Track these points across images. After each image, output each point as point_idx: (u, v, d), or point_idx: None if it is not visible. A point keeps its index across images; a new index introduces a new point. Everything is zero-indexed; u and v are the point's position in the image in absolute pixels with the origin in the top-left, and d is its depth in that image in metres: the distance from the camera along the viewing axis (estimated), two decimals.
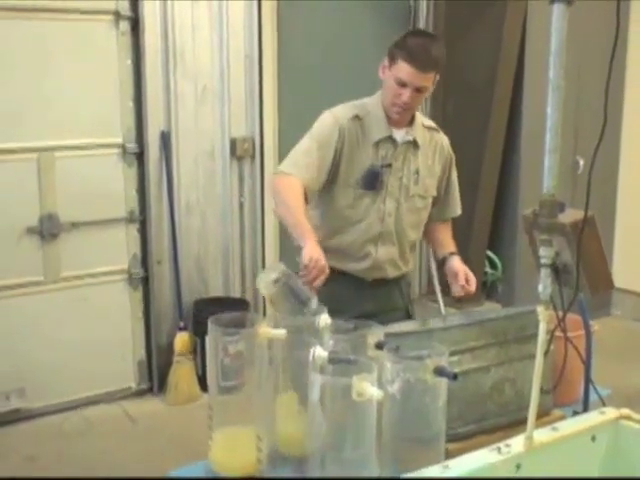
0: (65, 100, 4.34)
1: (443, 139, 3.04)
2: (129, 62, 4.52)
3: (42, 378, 4.42)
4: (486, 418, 1.99)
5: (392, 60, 2.77)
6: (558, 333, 1.96)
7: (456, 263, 2.93)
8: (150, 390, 4.82)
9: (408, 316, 3.09)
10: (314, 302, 2.23)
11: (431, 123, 3.05)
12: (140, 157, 4.64)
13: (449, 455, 1.71)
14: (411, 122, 2.91)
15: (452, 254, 2.98)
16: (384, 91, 2.85)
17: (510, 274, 5.83)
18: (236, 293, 5.09)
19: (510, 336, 2.05)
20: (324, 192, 2.89)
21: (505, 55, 5.49)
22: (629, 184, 6.10)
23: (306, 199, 2.77)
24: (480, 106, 5.57)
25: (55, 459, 3.97)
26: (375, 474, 1.67)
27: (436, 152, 3.00)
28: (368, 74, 5.43)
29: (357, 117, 2.86)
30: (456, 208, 3.15)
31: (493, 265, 5.90)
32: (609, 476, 1.71)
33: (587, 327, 2.13)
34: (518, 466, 1.59)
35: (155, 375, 4.81)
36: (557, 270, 1.96)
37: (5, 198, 4.24)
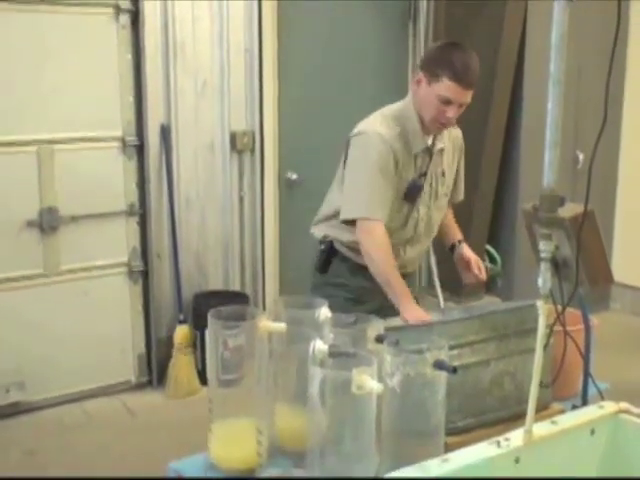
0: (65, 93, 4.34)
1: (458, 132, 3.06)
2: (129, 56, 4.52)
3: (42, 371, 4.42)
4: (485, 412, 2.00)
5: (434, 77, 2.73)
6: (557, 327, 1.97)
7: (466, 251, 2.99)
8: (150, 383, 4.83)
9: None
10: None
11: None
12: (140, 150, 4.64)
13: (448, 448, 1.71)
14: None
15: (461, 242, 3.04)
16: (424, 106, 2.79)
17: (509, 268, 5.82)
18: (236, 287, 5.09)
19: (510, 330, 2.05)
20: None
21: (505, 50, 5.49)
22: (629, 179, 6.10)
23: None
24: (480, 101, 5.55)
25: (55, 452, 3.97)
26: (374, 467, 1.68)
27: (455, 148, 3.02)
28: (368, 69, 5.46)
29: (400, 134, 2.82)
30: (461, 193, 3.17)
31: (492, 259, 5.88)
32: (608, 476, 1.71)
33: (586, 321, 2.13)
34: (517, 460, 1.59)
35: (155, 368, 4.81)
36: (557, 264, 1.96)
37: (5, 191, 4.24)
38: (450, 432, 1.85)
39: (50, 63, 4.28)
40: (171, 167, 4.69)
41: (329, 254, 3.01)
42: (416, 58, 5.56)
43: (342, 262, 2.98)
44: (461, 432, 1.93)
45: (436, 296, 5.43)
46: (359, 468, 1.61)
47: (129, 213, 4.66)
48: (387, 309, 2.72)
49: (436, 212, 2.97)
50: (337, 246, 2.98)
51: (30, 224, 4.33)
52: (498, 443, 1.60)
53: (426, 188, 2.89)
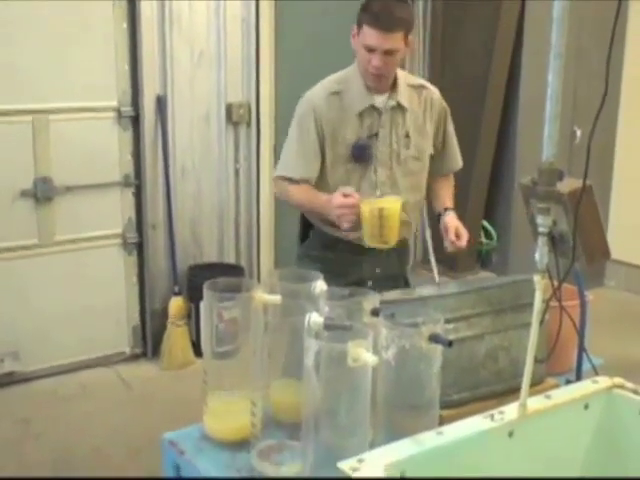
0: (60, 63, 4.31)
1: (433, 94, 2.98)
2: (125, 25, 4.49)
3: (36, 342, 4.43)
4: (480, 386, 2.00)
5: (359, 27, 2.71)
6: (553, 303, 1.97)
7: (449, 218, 2.88)
8: (144, 355, 4.85)
9: (406, 284, 3.08)
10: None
11: (418, 80, 3.00)
12: (135, 121, 4.62)
13: (443, 421, 1.72)
14: (394, 85, 2.85)
15: (447, 209, 2.95)
16: (358, 59, 2.79)
17: (505, 244, 5.84)
18: (231, 259, 5.09)
19: (505, 305, 2.05)
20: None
21: (504, 24, 5.46)
22: (626, 155, 6.09)
23: None
24: (478, 74, 5.54)
25: (48, 421, 3.99)
26: (368, 440, 1.68)
27: (427, 110, 2.93)
28: None
29: (335, 93, 2.82)
30: (455, 162, 3.11)
31: (488, 235, 5.91)
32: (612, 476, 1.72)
33: (582, 297, 2.13)
34: (511, 433, 1.60)
35: (149, 340, 4.82)
36: (553, 239, 1.96)
37: None
38: (445, 405, 1.85)
39: (46, 32, 4.24)
40: (166, 138, 4.67)
41: (305, 225, 3.03)
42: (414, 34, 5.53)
43: (316, 234, 2.98)
44: (456, 405, 1.93)
45: (431, 270, 5.44)
46: (353, 441, 1.61)
47: (124, 184, 4.65)
48: (364, 283, 2.72)
49: (403, 177, 2.90)
50: (310, 219, 2.99)
51: (24, 194, 4.31)
52: (492, 416, 1.60)
53: (383, 149, 2.84)
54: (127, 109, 4.57)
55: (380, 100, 2.83)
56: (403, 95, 2.86)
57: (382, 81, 2.80)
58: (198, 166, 4.86)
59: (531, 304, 1.61)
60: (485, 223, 5.88)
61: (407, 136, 2.88)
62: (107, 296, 4.68)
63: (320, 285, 1.97)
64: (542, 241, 1.57)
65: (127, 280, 4.77)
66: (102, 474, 3.54)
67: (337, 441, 1.62)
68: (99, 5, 4.37)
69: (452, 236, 2.80)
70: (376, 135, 2.83)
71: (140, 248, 4.78)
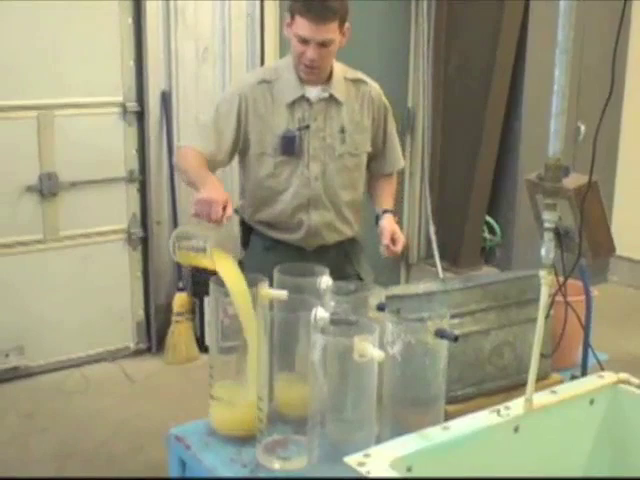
0: (65, 58, 4.31)
1: (372, 89, 2.88)
2: (130, 21, 4.49)
3: (41, 336, 4.44)
4: (485, 381, 2.00)
5: (291, 17, 2.64)
6: (558, 298, 1.97)
7: (385, 222, 2.79)
8: (148, 350, 4.85)
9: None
10: (210, 243, 2.14)
11: (357, 75, 2.88)
12: (140, 116, 4.62)
13: (448, 417, 1.72)
14: (328, 78, 2.77)
15: (385, 212, 2.85)
16: (291, 49, 2.71)
17: (508, 240, 5.84)
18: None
19: (511, 300, 2.05)
20: (244, 164, 2.83)
21: (508, 20, 5.44)
22: (629, 151, 6.09)
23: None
24: (482, 71, 5.53)
25: (53, 416, 4.00)
26: (374, 435, 1.68)
27: (364, 105, 2.85)
28: (369, 33, 5.41)
29: (264, 81, 2.75)
30: (396, 161, 3.03)
31: (491, 230, 5.90)
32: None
33: (587, 292, 2.13)
34: (516, 429, 1.60)
35: (153, 335, 4.83)
36: (559, 235, 1.96)
37: (5, 156, 4.23)
38: (450, 400, 1.86)
39: (51, 27, 4.24)
40: (171, 134, 4.67)
41: (245, 230, 2.97)
42: (418, 31, 5.54)
43: (256, 238, 2.93)
44: (461, 400, 1.93)
45: (435, 266, 5.45)
46: (359, 435, 1.62)
47: (129, 179, 4.65)
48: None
49: (338, 174, 2.82)
50: (250, 223, 2.94)
51: (30, 189, 4.32)
52: (498, 412, 1.61)
53: (316, 143, 2.76)
54: (132, 105, 4.57)
55: (313, 91, 2.76)
56: (338, 88, 2.79)
57: (316, 73, 2.72)
58: None
59: (536, 299, 1.62)
60: (489, 218, 5.88)
61: (342, 131, 2.80)
62: (112, 291, 4.68)
63: (326, 280, 1.98)
64: (548, 236, 1.58)
65: (132, 275, 4.77)
66: (106, 469, 3.55)
67: (343, 436, 1.63)
68: (104, 1, 4.36)
69: (387, 240, 2.72)
70: (307, 127, 2.74)
71: (145, 243, 4.78)
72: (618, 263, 6.02)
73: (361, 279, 2.93)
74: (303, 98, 2.75)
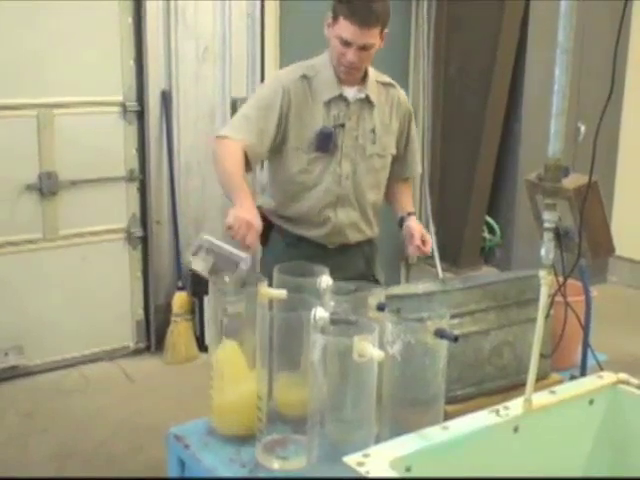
0: (65, 57, 4.31)
1: (400, 94, 2.94)
2: (130, 20, 4.49)
3: (40, 335, 4.44)
4: (485, 381, 2.00)
5: (335, 18, 2.65)
6: (557, 298, 1.97)
7: (413, 223, 2.85)
8: (148, 349, 4.85)
9: (376, 284, 3.03)
10: (245, 262, 2.16)
11: (386, 78, 2.94)
12: (140, 116, 4.62)
13: (448, 417, 1.72)
14: (363, 79, 2.81)
15: (410, 214, 2.91)
16: (331, 50, 2.74)
17: (508, 240, 5.84)
18: None
19: (510, 300, 2.05)
20: (276, 158, 2.83)
21: (508, 20, 5.44)
22: (629, 151, 6.10)
23: (248, 165, 2.71)
24: (482, 70, 5.54)
25: (52, 415, 4.00)
26: (374, 434, 1.68)
27: (393, 108, 2.90)
28: None
29: (304, 77, 2.78)
30: (416, 166, 3.07)
31: (491, 230, 5.90)
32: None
33: (587, 292, 2.13)
34: (516, 429, 1.60)
35: (153, 334, 4.83)
36: (559, 235, 1.96)
37: (4, 155, 4.23)
38: (450, 400, 1.86)
39: (52, 26, 4.24)
40: (171, 133, 4.68)
41: (266, 226, 2.89)
42: (419, 32, 5.54)
43: (277, 234, 2.92)
44: (461, 400, 1.94)
45: (434, 266, 5.45)
46: (359, 435, 1.62)
47: (129, 179, 4.65)
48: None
49: (366, 174, 2.86)
50: (272, 218, 2.92)
51: (29, 188, 4.32)
52: (497, 412, 1.61)
53: (349, 142, 2.80)
54: (132, 104, 4.57)
55: (349, 91, 2.79)
56: (372, 90, 2.83)
57: (353, 74, 2.76)
58: (202, 161, 4.86)
59: (536, 299, 1.62)
60: (488, 219, 5.88)
61: (373, 131, 2.84)
62: (111, 290, 4.69)
63: (326, 280, 1.98)
64: (548, 237, 1.58)
65: (131, 275, 4.77)
66: (106, 469, 3.55)
67: (342, 436, 1.63)
68: (105, 1, 4.36)
69: (418, 241, 2.77)
70: (342, 126, 2.78)
71: (144, 243, 4.78)
72: (618, 263, 6.02)
73: (375, 279, 2.99)
74: (340, 97, 2.79)
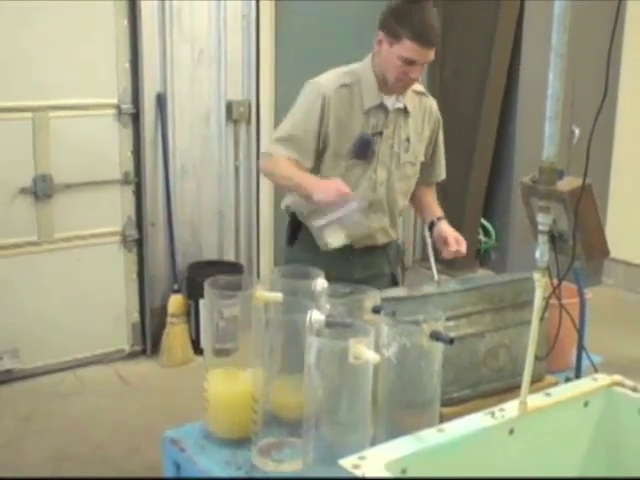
0: (61, 60, 4.31)
1: (432, 103, 2.99)
2: (125, 22, 4.49)
3: (35, 339, 4.43)
4: (480, 383, 2.01)
5: (395, 37, 2.67)
6: (552, 300, 1.98)
7: (444, 227, 2.91)
8: (143, 352, 4.84)
9: (394, 282, 3.09)
10: (359, 202, 2.55)
11: (420, 87, 2.98)
12: (136, 118, 4.61)
13: (443, 419, 1.72)
14: None
15: (440, 219, 2.96)
16: (387, 67, 2.74)
17: (503, 242, 5.85)
18: (230, 256, 5.10)
19: (505, 302, 2.06)
20: (314, 163, 2.84)
21: (503, 23, 5.46)
22: (623, 154, 6.10)
23: None
24: (477, 73, 5.54)
25: (49, 418, 3.99)
26: (369, 437, 1.69)
27: (425, 117, 2.95)
28: (367, 37, 5.41)
29: (345, 85, 2.80)
30: (442, 172, 3.12)
31: (487, 233, 5.91)
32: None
33: (581, 295, 2.14)
34: (511, 431, 1.61)
35: (148, 337, 4.82)
36: (553, 237, 1.97)
37: None
38: (445, 403, 1.87)
39: (47, 29, 4.24)
40: (166, 136, 4.67)
41: (294, 226, 2.98)
42: None
43: (306, 235, 2.94)
44: (456, 403, 1.94)
45: (430, 268, 5.44)
46: (354, 438, 1.62)
47: (124, 182, 4.65)
48: (359, 282, 2.70)
49: (399, 181, 2.91)
50: (300, 218, 2.95)
51: (24, 191, 4.31)
52: (493, 414, 1.61)
53: (385, 149, 2.84)
54: (127, 106, 4.57)
55: (389, 100, 2.83)
56: (408, 99, 2.88)
57: (408, 88, 2.83)
58: (198, 164, 4.86)
59: (531, 302, 1.62)
60: (484, 221, 5.89)
61: (408, 140, 2.89)
62: (107, 293, 4.68)
63: (321, 283, 1.98)
64: (542, 239, 1.58)
65: (127, 277, 4.77)
66: (102, 471, 3.54)
67: (338, 438, 1.63)
68: (100, 2, 4.36)
69: (454, 245, 2.83)
70: (380, 134, 2.82)
71: (140, 246, 4.78)
72: (612, 266, 6.03)
73: (395, 279, 3.11)
74: (380, 106, 2.82)
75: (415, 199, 3.09)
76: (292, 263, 2.86)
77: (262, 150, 2.90)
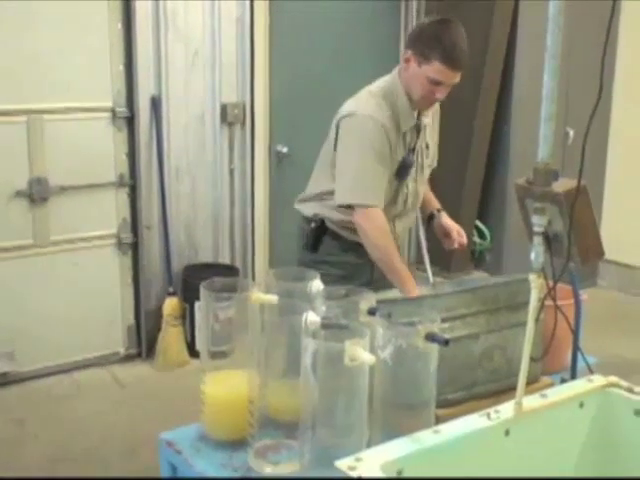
0: (55, 63, 4.31)
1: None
2: (119, 25, 4.49)
3: (31, 342, 4.43)
4: (476, 385, 2.01)
5: (424, 58, 2.68)
6: (547, 302, 1.98)
7: (445, 219, 2.98)
8: (139, 355, 4.84)
9: None
10: None
11: None
12: (130, 121, 4.62)
13: (439, 421, 1.73)
14: None
15: (439, 211, 3.03)
16: (413, 85, 2.76)
17: (498, 244, 5.85)
18: (225, 259, 5.10)
19: (501, 304, 2.06)
20: None
21: (497, 24, 5.47)
22: (618, 155, 6.11)
23: None
24: (471, 75, 5.55)
25: (44, 422, 3.99)
26: (365, 439, 1.69)
27: (434, 117, 3.02)
28: (361, 41, 5.43)
29: (391, 114, 2.79)
30: (435, 160, 3.13)
31: (482, 235, 5.92)
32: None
33: (577, 296, 2.14)
34: (507, 432, 1.60)
35: (144, 340, 4.82)
36: (548, 239, 1.97)
37: None
38: (441, 404, 1.86)
39: (41, 32, 4.24)
40: (161, 139, 4.67)
41: (320, 232, 2.98)
42: (408, 33, 5.54)
43: (333, 240, 2.96)
44: (452, 404, 1.94)
45: (425, 270, 5.45)
46: (350, 439, 1.62)
47: (119, 184, 4.65)
48: (376, 282, 2.74)
49: (422, 185, 2.99)
50: (328, 224, 2.95)
51: (19, 194, 4.31)
52: (488, 415, 1.61)
53: (415, 163, 2.90)
54: (122, 109, 4.57)
55: (416, 117, 2.86)
56: (429, 111, 2.93)
57: (432, 107, 2.88)
58: (193, 166, 4.86)
59: (526, 303, 1.62)
60: (479, 223, 5.89)
61: (427, 147, 2.95)
62: (102, 296, 4.68)
63: (317, 284, 1.98)
64: (537, 240, 1.58)
65: (122, 280, 4.76)
66: (98, 474, 3.54)
67: (334, 440, 1.63)
68: (94, 5, 4.36)
69: (455, 235, 2.90)
70: (413, 150, 2.86)
71: (135, 248, 4.77)
72: (608, 267, 6.04)
73: None
74: (415, 125, 2.85)
75: None
76: (313, 266, 2.85)
77: (350, 201, 2.78)
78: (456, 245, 2.90)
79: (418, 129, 2.87)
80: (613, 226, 5.40)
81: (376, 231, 2.74)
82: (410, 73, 2.75)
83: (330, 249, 2.97)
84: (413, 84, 2.76)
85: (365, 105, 2.78)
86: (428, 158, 2.96)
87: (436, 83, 2.70)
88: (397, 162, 2.82)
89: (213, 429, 1.95)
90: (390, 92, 2.82)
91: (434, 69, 2.67)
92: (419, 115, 2.87)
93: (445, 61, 2.65)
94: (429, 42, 2.68)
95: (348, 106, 2.82)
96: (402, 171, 2.83)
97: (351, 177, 2.77)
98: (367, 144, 2.74)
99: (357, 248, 2.85)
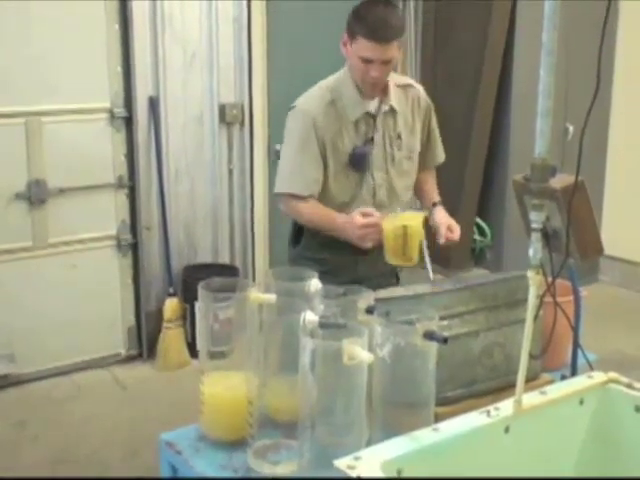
0: (53, 64, 4.30)
1: (419, 92, 2.98)
2: (117, 26, 4.48)
3: (31, 344, 4.43)
4: (475, 382, 2.00)
5: (352, 37, 2.68)
6: (547, 298, 1.97)
7: (440, 214, 2.91)
8: (139, 356, 4.84)
9: (397, 279, 3.10)
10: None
11: (404, 80, 2.99)
12: (128, 122, 4.61)
13: (438, 418, 1.72)
14: (385, 89, 2.83)
15: (435, 204, 2.97)
16: (352, 68, 2.77)
17: (498, 241, 5.85)
18: (225, 259, 5.09)
19: (499, 301, 2.05)
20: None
21: (495, 22, 5.46)
22: (618, 151, 6.10)
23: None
24: (470, 72, 5.55)
25: (45, 424, 3.98)
26: (364, 438, 1.68)
27: (414, 108, 2.94)
28: None
29: (330, 102, 2.79)
30: (439, 155, 3.12)
31: (481, 232, 5.91)
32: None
33: (576, 292, 2.13)
34: (507, 429, 1.60)
35: (144, 341, 4.82)
36: (547, 235, 1.96)
37: None
38: (440, 402, 1.86)
39: (38, 33, 4.23)
40: (160, 139, 4.67)
41: (299, 227, 2.99)
42: (406, 33, 5.54)
43: (312, 236, 2.95)
44: (451, 402, 1.94)
45: (425, 268, 5.44)
46: (350, 439, 1.61)
47: (118, 185, 4.64)
48: (362, 281, 2.72)
49: (398, 178, 2.92)
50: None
51: (18, 197, 4.30)
52: (488, 413, 1.61)
53: (378, 153, 2.84)
54: (120, 110, 4.56)
55: (373, 105, 2.82)
56: (394, 98, 2.86)
57: (378, 88, 2.80)
58: (191, 167, 4.86)
59: (525, 300, 1.61)
60: (479, 220, 5.89)
61: (399, 137, 2.89)
62: (102, 298, 4.67)
63: (315, 284, 1.98)
64: (536, 237, 1.58)
65: (122, 282, 4.76)
66: (99, 475, 3.54)
67: (333, 439, 1.63)
68: (91, 6, 4.35)
69: (447, 233, 2.82)
70: (371, 140, 2.82)
71: (134, 249, 4.77)
72: (609, 263, 6.02)
73: (397, 277, 3.11)
74: (367, 113, 2.82)
75: (415, 186, 3.09)
76: (299, 261, 2.90)
77: (279, 190, 2.89)
78: (442, 241, 2.83)
79: (374, 118, 2.82)
80: (614, 222, 5.40)
81: (304, 212, 2.83)
82: (349, 57, 2.76)
83: (309, 245, 2.97)
84: (352, 67, 2.76)
85: (305, 99, 2.84)
86: (402, 149, 2.90)
87: (367, 61, 2.66)
88: (347, 151, 2.80)
89: (212, 429, 1.95)
90: (338, 82, 2.83)
91: (361, 46, 2.65)
92: (380, 103, 2.83)
93: (368, 35, 2.62)
94: (354, 21, 2.68)
95: (298, 99, 2.89)
96: (357, 161, 2.80)
97: (281, 167, 2.87)
98: (294, 136, 2.82)
99: (335, 245, 2.84)
